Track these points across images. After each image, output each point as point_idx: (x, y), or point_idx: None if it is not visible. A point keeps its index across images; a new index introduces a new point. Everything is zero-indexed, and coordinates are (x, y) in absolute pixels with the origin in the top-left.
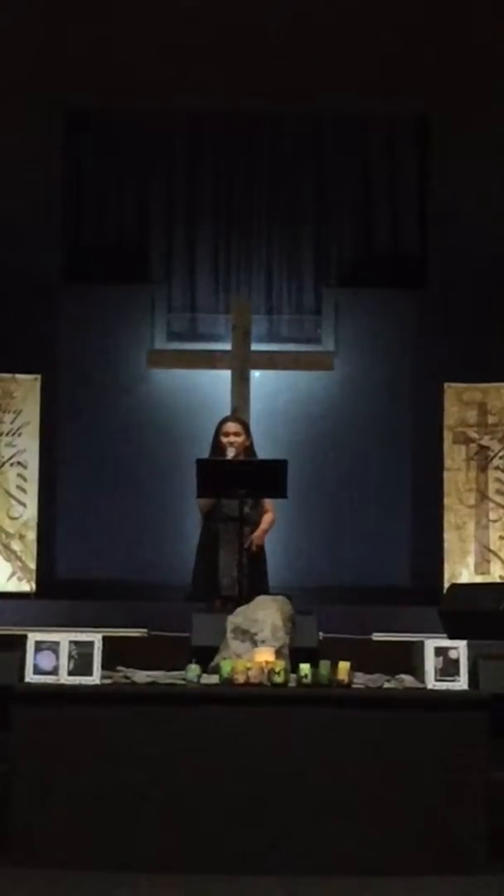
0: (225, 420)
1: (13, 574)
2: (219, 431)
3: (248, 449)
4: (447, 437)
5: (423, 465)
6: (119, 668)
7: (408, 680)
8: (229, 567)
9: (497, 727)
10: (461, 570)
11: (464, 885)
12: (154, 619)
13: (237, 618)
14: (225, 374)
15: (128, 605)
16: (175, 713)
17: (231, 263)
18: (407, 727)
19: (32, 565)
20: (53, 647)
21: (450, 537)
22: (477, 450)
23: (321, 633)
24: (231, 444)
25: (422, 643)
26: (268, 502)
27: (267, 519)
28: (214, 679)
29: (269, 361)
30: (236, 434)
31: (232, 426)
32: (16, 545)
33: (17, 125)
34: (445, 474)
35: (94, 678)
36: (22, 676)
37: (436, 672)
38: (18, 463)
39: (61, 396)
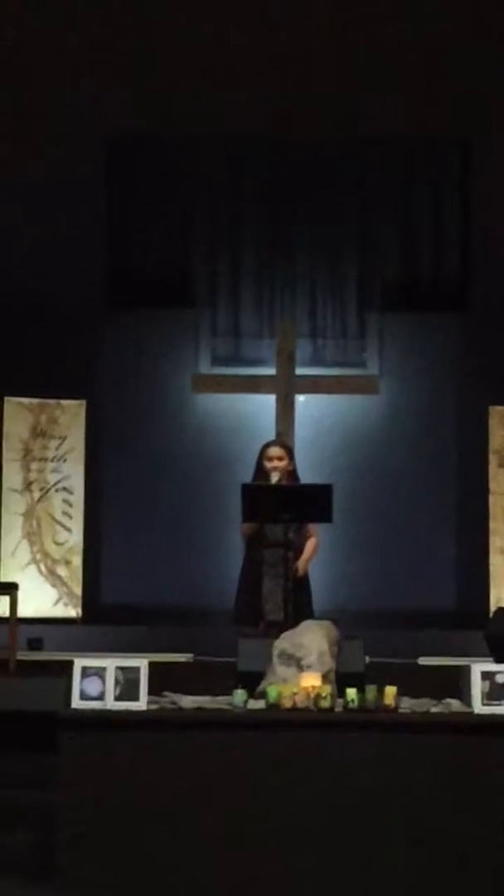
0: (268, 444)
1: (59, 599)
2: (262, 456)
3: (292, 473)
4: (492, 460)
5: (468, 488)
6: (165, 693)
7: (454, 704)
8: (274, 593)
9: None
10: None
11: None
12: (200, 645)
13: (283, 643)
14: (269, 399)
15: (173, 630)
16: (222, 738)
17: (275, 287)
18: (454, 752)
19: (78, 591)
20: (100, 673)
21: (496, 561)
22: None
23: (367, 658)
24: (275, 468)
25: (468, 667)
26: (312, 527)
27: (310, 546)
28: (261, 704)
29: (314, 385)
30: (280, 458)
31: (275, 450)
32: (62, 571)
33: (60, 151)
34: (491, 498)
35: (141, 703)
36: (69, 702)
37: (483, 696)
38: (64, 489)
39: (106, 422)
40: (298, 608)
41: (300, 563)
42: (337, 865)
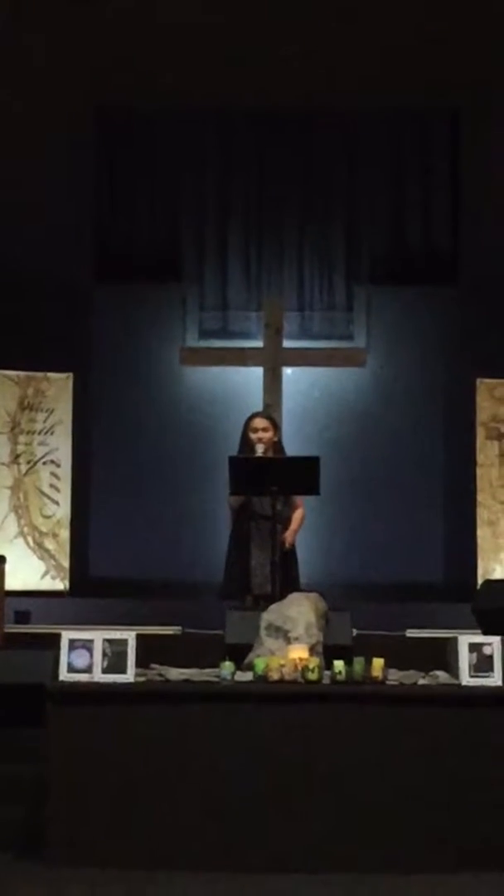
0: (253, 416)
1: (47, 572)
2: (247, 427)
3: (277, 445)
4: (480, 432)
5: (456, 460)
6: (153, 665)
7: (442, 676)
8: (261, 565)
9: None
10: (495, 566)
11: (498, 883)
12: (187, 617)
13: (271, 615)
14: (257, 372)
15: (161, 603)
16: (209, 710)
17: (263, 261)
18: (441, 723)
19: (66, 564)
20: (87, 646)
21: (483, 533)
22: None
23: (355, 630)
24: (259, 440)
25: (456, 639)
26: (298, 499)
27: (297, 517)
28: (248, 676)
29: (301, 358)
30: (264, 430)
31: (260, 422)
32: (49, 544)
33: (48, 125)
34: (478, 470)
35: (129, 676)
36: (56, 675)
37: (470, 668)
38: (51, 462)
39: (93, 395)
40: (286, 581)
41: (287, 535)
42: (324, 835)
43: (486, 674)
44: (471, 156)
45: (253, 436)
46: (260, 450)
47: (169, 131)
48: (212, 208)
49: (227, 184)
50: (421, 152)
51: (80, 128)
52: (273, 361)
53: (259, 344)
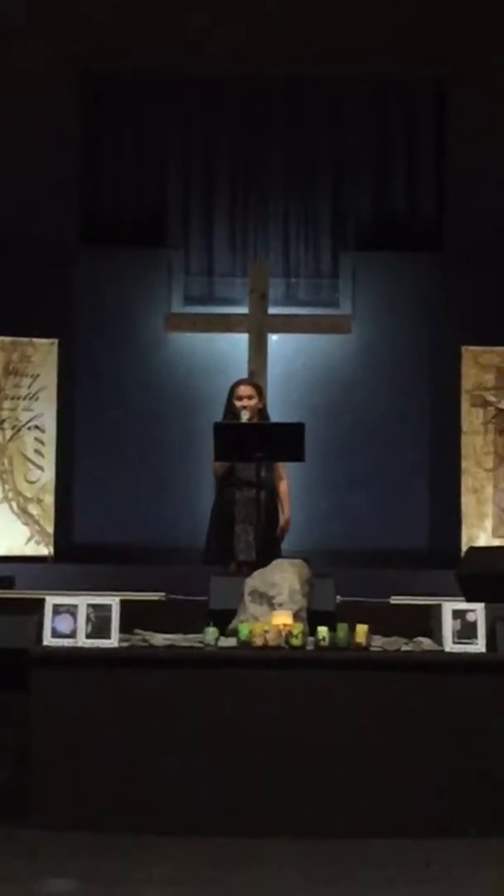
0: (238, 383)
1: (31, 538)
2: (232, 394)
3: (262, 412)
4: (465, 400)
5: (441, 428)
6: (137, 631)
7: (425, 643)
8: (245, 532)
9: None
10: (479, 533)
11: (481, 848)
12: (172, 583)
13: (255, 581)
14: (242, 338)
15: (145, 568)
16: (193, 676)
17: (248, 227)
18: (424, 689)
19: (50, 529)
20: (71, 611)
21: (467, 501)
22: (494, 413)
23: (339, 597)
24: (244, 407)
25: (439, 606)
26: (281, 466)
27: (284, 494)
28: (232, 642)
29: (287, 325)
30: (249, 397)
31: (245, 389)
32: (33, 509)
33: (33, 89)
34: (463, 437)
35: (112, 641)
36: (40, 639)
37: (453, 635)
38: (36, 427)
39: (78, 360)
40: (269, 547)
41: (284, 525)
42: (306, 801)
43: (470, 640)
44: (456, 122)
45: (238, 403)
46: (245, 417)
47: (155, 96)
48: (198, 174)
49: (213, 149)
50: (406, 119)
51: (66, 92)
52: (258, 328)
53: (244, 310)
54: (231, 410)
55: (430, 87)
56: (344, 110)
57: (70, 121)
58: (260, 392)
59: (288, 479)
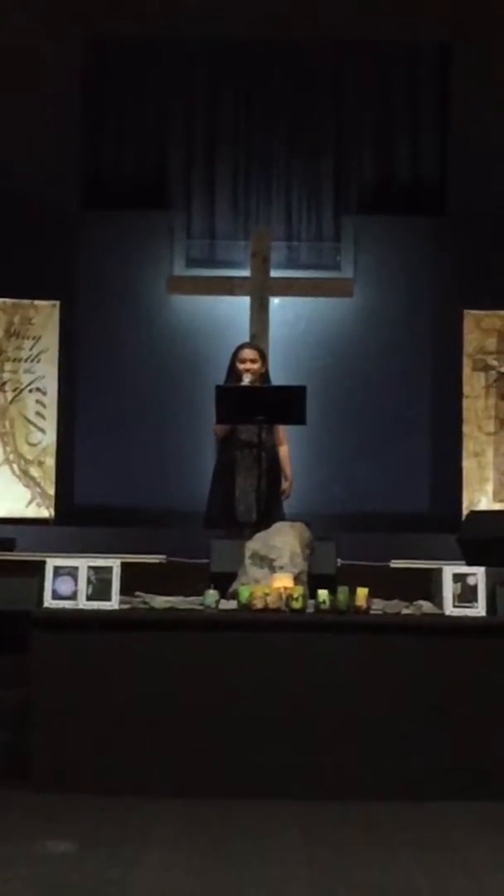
0: (241, 347)
1: (32, 500)
2: (235, 358)
3: (264, 376)
4: (466, 364)
5: (442, 392)
6: (137, 593)
7: (426, 606)
8: (246, 494)
9: None
10: (480, 497)
11: (481, 811)
12: (172, 545)
13: (255, 544)
14: (244, 301)
15: (146, 531)
16: (193, 638)
17: (250, 190)
18: (424, 653)
19: (51, 491)
20: (72, 573)
21: (468, 465)
22: (496, 377)
23: (339, 560)
24: (247, 370)
25: (440, 570)
26: (281, 429)
27: (285, 459)
28: (232, 605)
29: (288, 288)
30: (252, 361)
31: (248, 353)
32: (35, 471)
33: (35, 52)
34: (464, 402)
35: (113, 603)
36: (41, 601)
37: (454, 598)
38: (37, 389)
39: (80, 323)
40: (271, 509)
41: (287, 486)
42: (306, 763)
43: (470, 604)
44: (459, 87)
45: (241, 366)
46: (247, 380)
47: (158, 60)
48: (200, 137)
49: (215, 112)
50: (409, 83)
51: (69, 56)
52: (260, 291)
53: (246, 273)
54: (234, 373)
55: (434, 52)
56: (347, 74)
57: (72, 84)
58: (263, 356)
59: (288, 442)
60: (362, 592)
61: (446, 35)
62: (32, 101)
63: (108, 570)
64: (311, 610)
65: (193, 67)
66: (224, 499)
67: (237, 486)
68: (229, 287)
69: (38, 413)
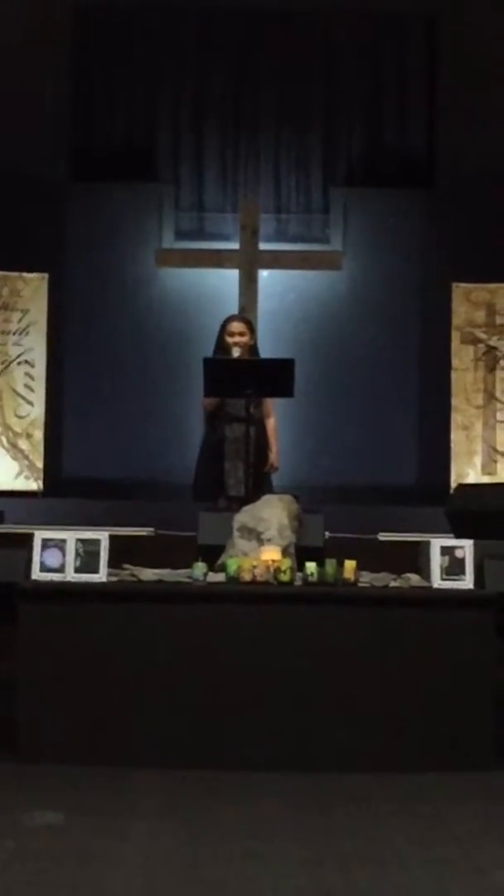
0: (230, 319)
1: (20, 472)
2: (223, 330)
3: (253, 349)
4: (455, 337)
5: (431, 365)
6: (125, 566)
7: (414, 579)
8: (235, 467)
9: (502, 626)
10: (468, 470)
11: (466, 782)
12: (160, 518)
13: (244, 516)
14: (233, 274)
15: (135, 503)
16: (181, 611)
17: (239, 162)
18: (412, 626)
19: (40, 464)
20: (60, 545)
21: (457, 438)
22: (485, 350)
23: (327, 533)
24: (236, 343)
25: (428, 542)
26: (269, 403)
27: (272, 431)
28: (220, 577)
29: (277, 261)
30: (241, 334)
31: (237, 325)
32: (23, 444)
33: (23, 24)
34: (453, 374)
35: (101, 576)
36: (28, 574)
37: (442, 571)
38: (26, 362)
39: (69, 295)
40: (259, 483)
41: (273, 459)
42: (295, 735)
43: (458, 577)
44: (448, 59)
45: (229, 339)
46: (236, 353)
47: (147, 30)
48: (189, 109)
49: (204, 84)
50: (398, 54)
51: (56, 27)
52: (249, 264)
53: (235, 246)
54: (222, 346)
55: (423, 23)
56: (335, 45)
57: (60, 55)
58: (252, 329)
59: (275, 416)
60: (350, 565)
61: (434, 7)
62: (20, 72)
63: (96, 542)
64: (298, 582)
65: (182, 39)
66: (213, 472)
67: (226, 459)
68: (218, 260)
69: (26, 385)
